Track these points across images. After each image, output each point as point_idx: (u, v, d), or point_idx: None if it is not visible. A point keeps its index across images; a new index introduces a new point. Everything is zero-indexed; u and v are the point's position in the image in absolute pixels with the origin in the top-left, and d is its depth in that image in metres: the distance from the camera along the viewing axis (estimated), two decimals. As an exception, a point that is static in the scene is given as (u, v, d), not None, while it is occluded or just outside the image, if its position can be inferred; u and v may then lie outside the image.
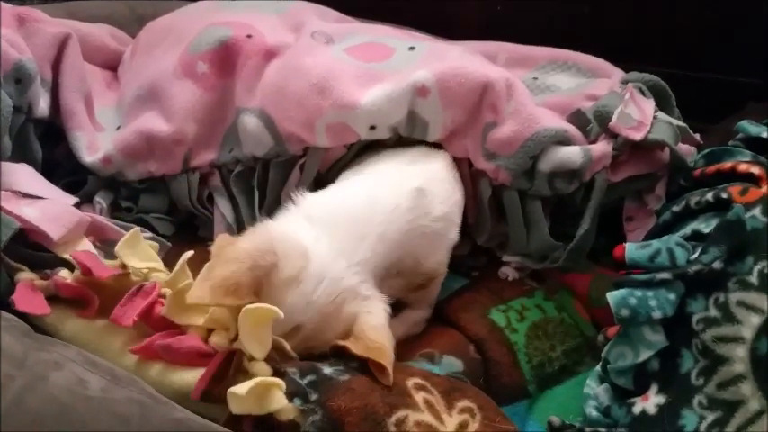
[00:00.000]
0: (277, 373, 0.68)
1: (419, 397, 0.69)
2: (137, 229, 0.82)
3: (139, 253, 0.80)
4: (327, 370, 0.70)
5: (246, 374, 0.67)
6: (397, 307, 0.92)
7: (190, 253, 0.74)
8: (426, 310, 0.92)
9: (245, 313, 0.66)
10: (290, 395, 0.66)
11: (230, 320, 0.70)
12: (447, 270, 0.91)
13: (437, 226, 0.87)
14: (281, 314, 0.66)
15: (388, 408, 0.67)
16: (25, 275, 0.77)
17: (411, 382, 0.71)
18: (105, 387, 0.62)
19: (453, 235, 0.90)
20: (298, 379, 0.67)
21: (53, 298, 0.76)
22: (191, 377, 0.68)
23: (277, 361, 0.68)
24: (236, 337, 0.70)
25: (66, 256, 0.79)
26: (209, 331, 0.71)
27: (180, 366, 0.69)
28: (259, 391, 0.64)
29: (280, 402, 0.64)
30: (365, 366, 0.71)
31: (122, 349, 0.72)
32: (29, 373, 0.60)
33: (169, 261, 0.98)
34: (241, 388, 0.63)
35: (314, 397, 0.66)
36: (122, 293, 0.74)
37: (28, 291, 0.74)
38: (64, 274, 0.77)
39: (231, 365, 0.67)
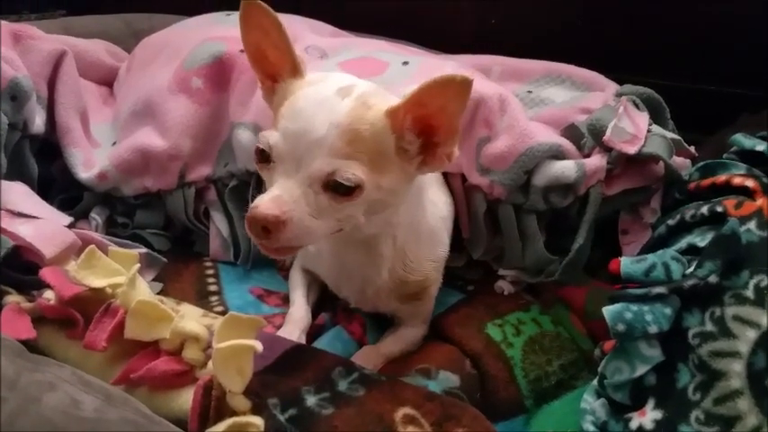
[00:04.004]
0: (257, 406, 0.65)
1: None
2: (92, 247, 0.78)
3: (101, 270, 0.77)
4: (311, 401, 0.68)
5: (229, 408, 0.65)
6: (393, 324, 0.92)
7: (137, 266, 0.73)
8: (421, 328, 0.91)
9: (218, 352, 0.64)
10: None
11: (199, 329, 0.69)
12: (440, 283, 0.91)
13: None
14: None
15: None
16: (12, 298, 0.76)
17: (400, 413, 0.68)
18: (99, 408, 0.61)
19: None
20: (278, 414, 0.65)
21: (43, 319, 0.75)
22: (175, 404, 0.68)
23: (258, 394, 0.66)
24: (209, 346, 0.68)
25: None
26: (183, 342, 0.70)
27: (163, 391, 0.69)
28: (235, 430, 0.62)
29: None
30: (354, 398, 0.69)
31: (104, 370, 0.71)
32: (21, 395, 0.60)
33: (166, 276, 0.99)
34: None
35: None
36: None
37: (14, 315, 0.73)
38: (48, 295, 0.76)
39: (212, 400, 0.65)
